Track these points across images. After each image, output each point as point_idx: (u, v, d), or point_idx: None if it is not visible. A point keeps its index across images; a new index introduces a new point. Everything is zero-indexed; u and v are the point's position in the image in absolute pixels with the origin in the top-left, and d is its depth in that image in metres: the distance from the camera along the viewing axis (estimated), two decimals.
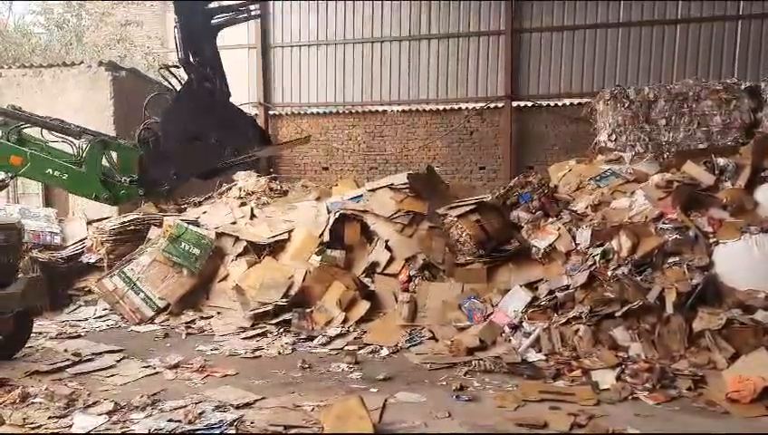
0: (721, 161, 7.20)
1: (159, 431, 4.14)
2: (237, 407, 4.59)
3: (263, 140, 5.33)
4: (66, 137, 5.35)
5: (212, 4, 5.37)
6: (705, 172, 7.11)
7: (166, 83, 5.67)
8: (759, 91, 9.94)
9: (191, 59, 5.01)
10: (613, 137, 10.35)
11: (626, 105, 10.28)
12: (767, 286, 5.71)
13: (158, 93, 5.66)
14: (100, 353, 6.15)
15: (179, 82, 5.17)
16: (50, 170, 5.10)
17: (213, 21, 5.12)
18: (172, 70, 5.11)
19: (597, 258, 6.63)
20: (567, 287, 6.56)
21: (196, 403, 4.65)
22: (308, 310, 7.33)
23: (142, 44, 16.85)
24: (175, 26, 5.10)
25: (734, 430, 4.19)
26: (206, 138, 4.95)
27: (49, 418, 4.39)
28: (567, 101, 14.65)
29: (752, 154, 7.08)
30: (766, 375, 4.61)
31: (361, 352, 6.33)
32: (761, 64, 13.65)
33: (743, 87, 10.02)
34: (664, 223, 6.61)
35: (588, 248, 6.91)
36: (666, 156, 9.35)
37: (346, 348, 6.46)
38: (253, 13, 5.71)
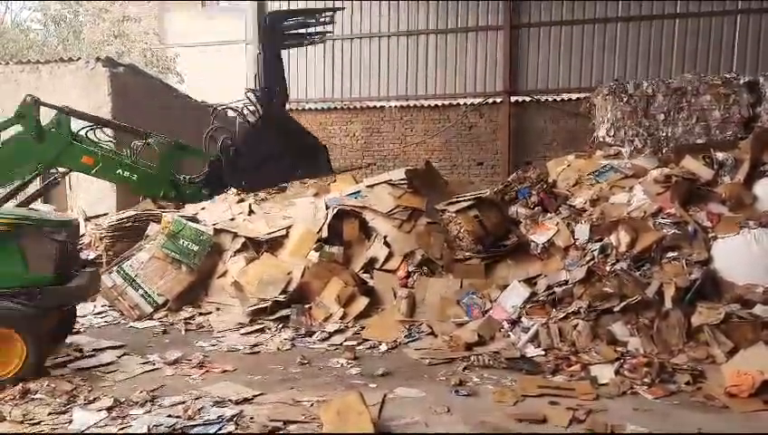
0: (720, 156, 7.20)
1: (159, 427, 4.14)
2: (236, 402, 4.59)
3: (329, 166, 5.57)
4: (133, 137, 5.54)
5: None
6: (704, 167, 7.12)
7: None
8: (757, 85, 9.95)
9: (274, 89, 5.56)
10: (612, 132, 10.36)
11: (624, 100, 10.29)
12: (766, 281, 5.72)
13: (222, 106, 5.95)
14: (102, 349, 6.16)
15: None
16: (120, 171, 5.33)
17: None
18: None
19: (595, 253, 6.63)
20: (565, 283, 6.56)
21: (195, 399, 4.65)
22: (306, 306, 7.33)
23: (140, 40, 16.79)
24: (259, 53, 5.37)
25: (732, 424, 4.20)
26: (281, 158, 5.36)
27: (49, 414, 4.38)
28: (566, 97, 14.66)
29: (750, 149, 7.08)
30: (765, 370, 4.62)
31: (360, 347, 6.33)
32: (759, 59, 13.66)
33: (741, 82, 10.03)
34: (662, 218, 6.61)
35: (586, 243, 6.91)
36: (664, 151, 9.37)
37: (345, 344, 6.46)
38: (317, 37, 6.21)
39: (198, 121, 13.35)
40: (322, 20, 6.53)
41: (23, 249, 5.02)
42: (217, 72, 15.96)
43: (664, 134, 10.10)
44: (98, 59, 10.20)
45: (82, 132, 5.38)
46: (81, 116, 5.45)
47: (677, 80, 10.53)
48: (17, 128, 5.62)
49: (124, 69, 10.42)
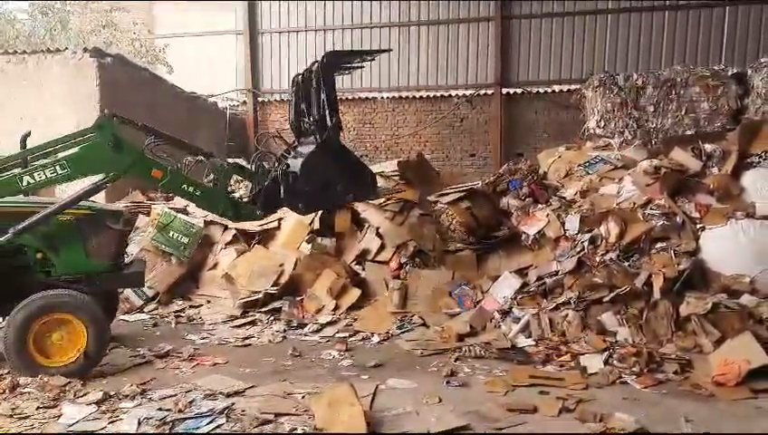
0: (708, 147, 7.24)
1: (149, 420, 4.14)
2: (228, 395, 4.59)
3: (376, 191, 6.33)
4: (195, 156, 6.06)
5: None
6: (693, 158, 7.15)
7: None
8: (745, 77, 9.98)
9: (330, 119, 5.95)
10: (602, 123, 10.38)
11: (614, 92, 10.30)
12: (752, 271, 5.77)
13: (263, 133, 6.41)
14: None
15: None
16: (185, 186, 5.59)
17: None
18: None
19: (585, 244, 6.67)
20: (556, 273, 6.60)
21: (186, 392, 4.65)
22: (298, 298, 7.33)
23: (128, 30, 16.61)
24: (314, 88, 6.13)
25: (719, 413, 4.25)
26: (335, 183, 5.88)
27: (38, 408, 4.36)
28: (556, 88, 14.67)
29: (738, 140, 7.12)
30: (751, 358, 4.68)
31: (352, 339, 6.35)
32: (747, 51, 13.72)
33: (730, 73, 10.06)
34: (651, 209, 6.65)
35: (576, 235, 6.95)
36: (654, 142, 9.40)
37: (337, 335, 6.47)
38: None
39: (188, 112, 13.28)
40: (371, 58, 7.31)
41: (84, 238, 5.31)
42: (207, 62, 15.85)
43: (653, 126, 10.12)
44: (85, 49, 10.08)
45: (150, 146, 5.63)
46: (156, 133, 5.80)
47: (667, 72, 10.54)
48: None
49: (112, 59, 10.31)
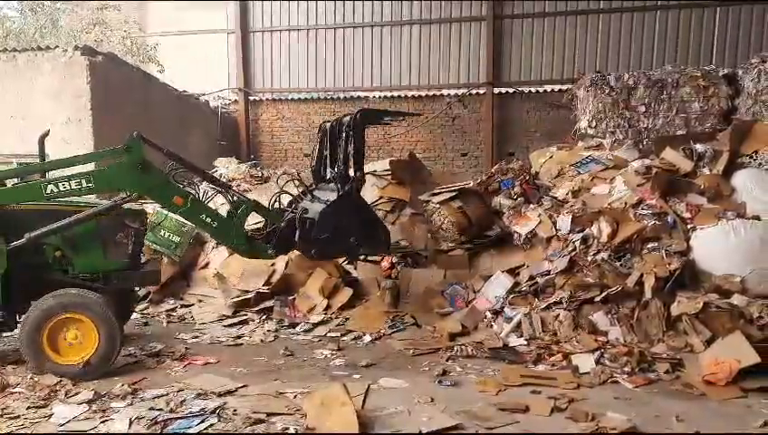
0: (699, 147, 7.27)
1: (140, 420, 4.11)
2: (219, 395, 4.57)
3: (388, 247, 6.33)
4: (215, 188, 6.03)
5: None
6: (684, 158, 7.18)
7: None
8: (736, 77, 10.04)
9: (354, 172, 6.04)
10: (593, 123, 10.41)
11: (606, 92, 10.34)
12: (743, 271, 5.80)
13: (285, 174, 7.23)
14: None
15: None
16: (203, 215, 5.60)
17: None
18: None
19: (577, 244, 6.69)
20: (548, 273, 6.62)
21: (177, 391, 4.63)
22: (290, 297, 7.31)
23: (119, 28, 16.51)
24: (343, 139, 6.17)
25: (709, 412, 4.28)
26: (350, 235, 5.92)
27: (28, 408, 4.33)
28: (548, 88, 14.70)
29: (729, 140, 7.16)
30: (741, 358, 4.70)
31: (344, 338, 6.34)
32: (738, 51, 13.79)
33: (720, 74, 10.12)
34: (643, 209, 6.67)
35: (568, 234, 6.96)
36: (645, 142, 9.44)
37: (329, 335, 6.47)
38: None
39: (179, 111, 13.22)
40: (401, 119, 7.26)
41: (103, 237, 5.41)
42: (199, 61, 15.77)
43: (645, 126, 10.17)
44: (76, 47, 10.01)
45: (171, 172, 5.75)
46: (178, 159, 5.87)
47: (658, 72, 10.60)
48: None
49: (103, 57, 10.25)
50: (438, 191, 7.81)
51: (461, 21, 15.27)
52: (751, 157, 7.15)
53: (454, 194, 7.61)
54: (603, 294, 5.95)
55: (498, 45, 15.06)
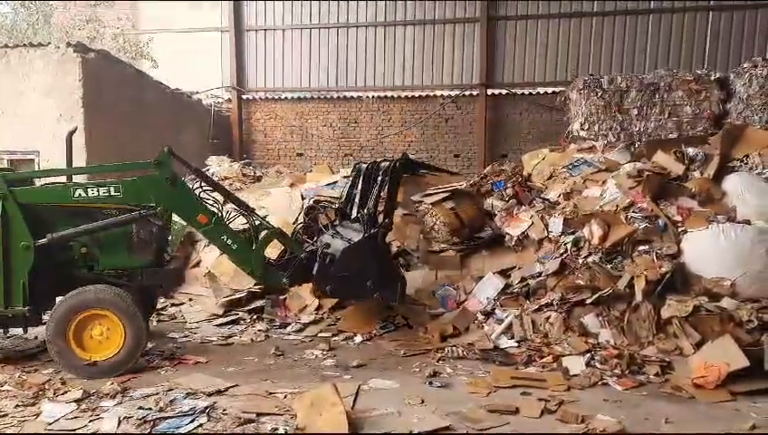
0: (690, 151, 7.32)
1: (129, 419, 4.09)
2: (209, 394, 4.56)
3: (403, 297, 6.24)
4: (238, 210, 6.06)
5: None
6: (675, 162, 7.22)
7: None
8: (728, 82, 10.11)
9: (384, 218, 6.10)
10: (586, 126, 10.45)
11: (599, 94, 10.38)
12: (733, 274, 5.83)
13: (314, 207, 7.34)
14: None
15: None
16: (224, 236, 5.61)
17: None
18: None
19: (568, 246, 6.71)
20: (539, 275, 6.63)
21: (167, 391, 4.61)
22: (281, 297, 7.29)
23: (112, 25, 16.41)
24: (378, 183, 6.33)
25: (698, 414, 4.30)
26: (367, 278, 5.89)
27: (16, 406, 4.31)
28: (541, 90, 14.73)
29: (720, 144, 7.20)
30: (730, 361, 4.73)
31: (335, 338, 6.33)
32: (730, 56, 13.87)
33: (712, 78, 10.18)
34: (634, 212, 6.70)
35: (560, 236, 6.98)
36: (637, 145, 9.48)
37: (320, 335, 6.45)
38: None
39: (172, 109, 13.15)
40: (437, 173, 7.72)
41: (129, 234, 5.44)
42: (192, 59, 15.71)
43: (637, 129, 10.22)
44: (68, 44, 9.94)
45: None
46: (204, 178, 6.00)
47: (651, 75, 10.65)
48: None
49: (96, 55, 10.18)
50: (431, 192, 7.82)
51: (455, 22, 15.28)
52: (742, 161, 7.20)
53: (446, 195, 7.61)
54: (594, 297, 5.96)
55: (492, 47, 15.08)
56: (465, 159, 15.36)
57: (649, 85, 10.26)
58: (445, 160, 15.38)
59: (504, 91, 15.05)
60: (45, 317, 5.23)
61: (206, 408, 4.27)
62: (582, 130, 10.46)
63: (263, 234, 5.83)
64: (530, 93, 14.88)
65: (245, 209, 6.02)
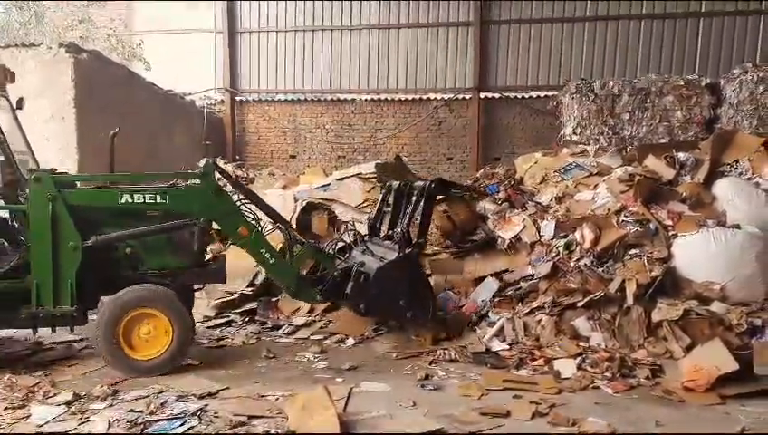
0: (681, 156, 7.36)
1: (120, 422, 4.07)
2: (200, 397, 4.54)
3: (435, 318, 6.22)
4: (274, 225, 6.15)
5: None
6: (666, 166, 7.26)
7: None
8: (719, 87, 10.20)
9: (418, 238, 6.20)
10: (578, 130, 10.53)
11: (591, 99, 10.46)
12: (723, 279, 5.87)
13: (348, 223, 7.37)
14: (62, 342, 6.04)
15: None
16: (263, 250, 5.66)
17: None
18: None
19: (560, 250, 6.73)
20: (531, 277, 6.65)
21: (158, 393, 4.59)
22: (274, 299, 7.28)
23: (105, 26, 16.36)
24: (412, 203, 6.41)
25: (688, 418, 4.32)
26: (400, 298, 5.89)
27: (5, 409, 4.27)
28: (534, 94, 14.81)
29: (711, 149, 7.25)
30: (720, 365, 4.76)
31: (327, 341, 6.32)
32: (721, 62, 13.99)
33: (703, 83, 10.28)
34: (625, 216, 6.73)
35: (552, 240, 7.01)
36: (628, 149, 9.53)
37: (312, 337, 6.44)
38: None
39: (164, 110, 13.12)
40: (471, 196, 7.80)
41: (172, 234, 5.50)
42: (184, 60, 15.67)
43: (628, 133, 10.30)
44: (61, 44, 9.91)
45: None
46: (246, 191, 6.17)
47: (642, 80, 10.75)
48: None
49: (88, 55, 10.15)
50: None
51: (448, 25, 15.34)
52: (732, 166, 7.26)
53: (439, 198, 7.62)
54: (586, 300, 5.98)
55: (485, 51, 15.15)
56: (458, 163, 15.41)
57: (641, 90, 10.35)
58: (438, 163, 15.43)
59: (497, 95, 15.11)
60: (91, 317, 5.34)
61: (197, 411, 4.25)
62: (575, 134, 10.54)
63: (296, 249, 5.94)
64: (523, 97, 14.95)
65: (282, 223, 6.12)
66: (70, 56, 9.68)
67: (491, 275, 6.96)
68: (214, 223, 5.72)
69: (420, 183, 6.63)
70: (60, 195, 5.09)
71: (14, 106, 5.78)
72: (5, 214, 5.58)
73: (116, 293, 5.17)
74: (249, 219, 5.70)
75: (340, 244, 6.78)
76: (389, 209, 6.92)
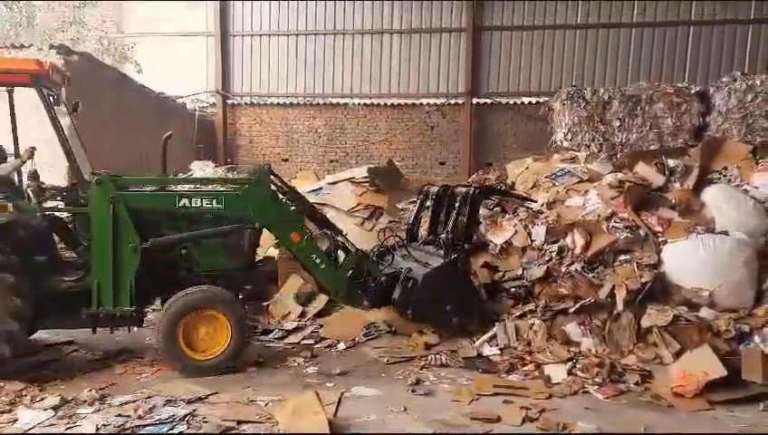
0: (671, 162, 7.41)
1: (107, 426, 4.04)
2: (189, 402, 4.51)
3: (481, 322, 6.27)
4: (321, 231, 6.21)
5: None
6: (656, 173, 7.30)
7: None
8: (708, 95, 10.29)
9: (464, 244, 6.22)
10: (569, 136, 10.57)
11: (582, 105, 10.51)
12: (712, 285, 5.90)
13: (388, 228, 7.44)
14: (50, 346, 5.99)
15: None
16: (314, 256, 5.76)
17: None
18: None
19: (554, 255, 6.75)
20: (521, 277, 6.68)
21: (146, 398, 4.56)
22: (264, 303, 7.25)
23: (96, 27, 16.29)
24: (456, 209, 6.43)
25: (677, 423, 4.34)
26: (447, 303, 6.00)
27: None
28: (526, 100, 14.89)
29: (700, 156, 7.31)
30: (709, 370, 4.79)
31: (318, 346, 6.30)
32: (710, 69, 14.14)
33: (693, 91, 10.36)
34: (616, 222, 6.76)
35: (543, 245, 7.03)
36: (619, 156, 9.59)
37: (303, 342, 6.41)
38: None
39: (156, 112, 13.07)
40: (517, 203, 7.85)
41: (225, 236, 5.60)
42: (177, 63, 15.63)
43: (619, 140, 10.36)
44: (51, 46, 9.86)
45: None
46: (300, 198, 6.17)
47: (633, 87, 10.82)
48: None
49: (79, 57, 10.09)
50: (415, 200, 7.82)
51: (441, 31, 15.40)
52: (720, 173, 7.32)
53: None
54: (577, 305, 5.99)
55: (477, 57, 15.22)
56: (450, 167, 15.45)
57: (631, 97, 10.42)
58: (430, 168, 15.46)
59: (489, 101, 15.17)
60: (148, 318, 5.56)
61: (186, 416, 4.22)
62: (566, 140, 10.58)
63: (342, 256, 6.01)
64: (514, 103, 15.03)
65: (332, 230, 6.19)
66: (60, 58, 9.62)
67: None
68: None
69: (462, 189, 6.73)
70: (120, 197, 5.20)
71: (70, 109, 5.87)
72: (63, 214, 5.67)
73: (170, 294, 5.30)
74: (302, 226, 5.80)
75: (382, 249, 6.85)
76: (429, 217, 7.01)
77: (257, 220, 5.56)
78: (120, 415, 4.21)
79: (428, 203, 7.06)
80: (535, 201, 7.61)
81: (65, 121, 5.63)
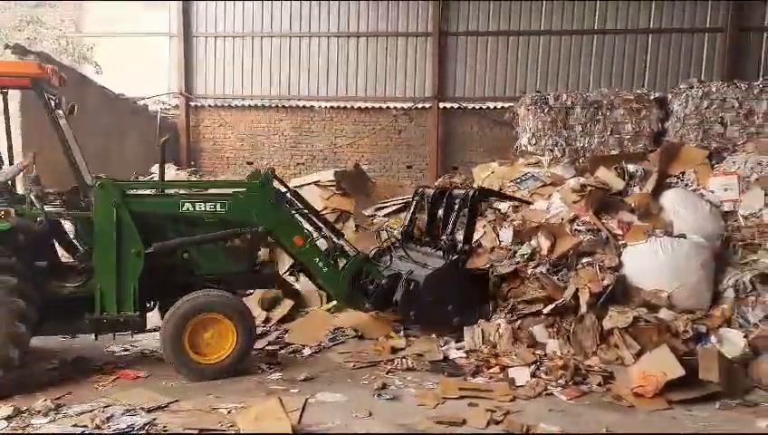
0: (631, 167, 7.58)
1: None
2: (149, 410, 4.40)
3: (486, 317, 6.32)
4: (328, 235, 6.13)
5: None
6: (616, 177, 7.46)
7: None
8: (666, 102, 10.55)
9: (463, 245, 6.29)
10: (533, 141, 10.71)
11: (545, 111, 10.65)
12: (670, 287, 6.04)
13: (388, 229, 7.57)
14: None
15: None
16: (317, 259, 5.79)
17: None
18: None
19: (525, 257, 6.82)
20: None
21: (104, 407, 4.44)
22: None
23: (55, 27, 15.85)
24: (455, 211, 6.51)
25: (637, 423, 4.42)
26: (449, 303, 6.12)
27: None
28: (491, 105, 15.04)
29: (659, 161, 7.50)
30: (667, 371, 4.88)
31: (282, 352, 6.23)
32: (668, 77, 14.51)
33: (652, 97, 10.61)
34: (578, 225, 6.88)
35: (510, 246, 7.12)
36: (581, 160, 9.77)
37: (267, 348, 6.33)
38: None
39: (116, 114, 12.77)
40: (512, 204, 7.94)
41: (227, 241, 5.62)
42: (138, 64, 15.31)
43: (581, 145, 10.53)
44: (7, 45, 9.56)
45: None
46: (303, 201, 6.19)
47: (594, 93, 11.02)
48: None
49: (35, 57, 9.79)
50: (383, 205, 7.84)
51: (407, 35, 15.45)
52: (678, 177, 7.52)
53: (399, 207, 7.65)
54: (552, 306, 6.03)
55: (444, 61, 15.31)
56: (417, 171, 15.50)
57: (593, 103, 10.61)
58: (398, 171, 15.49)
59: (455, 105, 15.27)
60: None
61: (146, 425, 4.13)
62: (530, 144, 10.72)
63: (342, 260, 5.99)
64: (480, 108, 15.16)
65: (336, 233, 6.18)
66: (16, 58, 9.33)
67: None
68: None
69: (461, 192, 6.79)
70: (123, 202, 5.16)
71: (66, 112, 5.71)
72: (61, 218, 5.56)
73: (169, 298, 5.30)
74: (304, 229, 5.82)
75: (377, 250, 6.90)
76: (426, 218, 7.04)
77: (260, 224, 5.54)
78: (75, 425, 4.10)
79: (420, 203, 7.14)
80: (532, 202, 7.69)
81: (64, 125, 5.53)
